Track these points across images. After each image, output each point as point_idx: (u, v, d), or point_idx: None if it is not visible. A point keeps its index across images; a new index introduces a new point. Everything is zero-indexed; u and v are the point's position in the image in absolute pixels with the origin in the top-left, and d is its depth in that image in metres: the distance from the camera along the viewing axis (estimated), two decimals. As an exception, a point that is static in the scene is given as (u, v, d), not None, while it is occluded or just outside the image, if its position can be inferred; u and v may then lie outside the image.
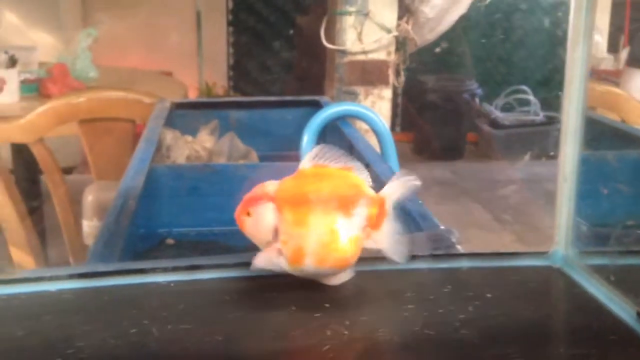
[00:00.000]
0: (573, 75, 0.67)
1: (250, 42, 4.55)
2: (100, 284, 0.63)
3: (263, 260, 0.60)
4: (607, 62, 3.64)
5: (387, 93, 2.30)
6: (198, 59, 4.47)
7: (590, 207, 0.70)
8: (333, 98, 2.24)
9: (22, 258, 1.66)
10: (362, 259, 0.61)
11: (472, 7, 2.21)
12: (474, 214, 3.22)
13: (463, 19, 2.22)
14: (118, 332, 0.55)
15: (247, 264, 0.61)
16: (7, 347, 0.53)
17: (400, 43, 2.26)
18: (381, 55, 2.26)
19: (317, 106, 1.61)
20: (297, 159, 1.33)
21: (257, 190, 0.61)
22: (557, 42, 4.15)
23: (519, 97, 4.02)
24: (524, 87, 4.02)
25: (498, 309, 0.59)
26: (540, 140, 3.36)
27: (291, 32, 4.34)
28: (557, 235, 0.69)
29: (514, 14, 4.33)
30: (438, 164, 3.95)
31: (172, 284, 0.63)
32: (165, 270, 0.65)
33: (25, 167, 2.15)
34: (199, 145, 1.41)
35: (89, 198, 1.61)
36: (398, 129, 4.39)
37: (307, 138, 1.40)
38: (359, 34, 2.22)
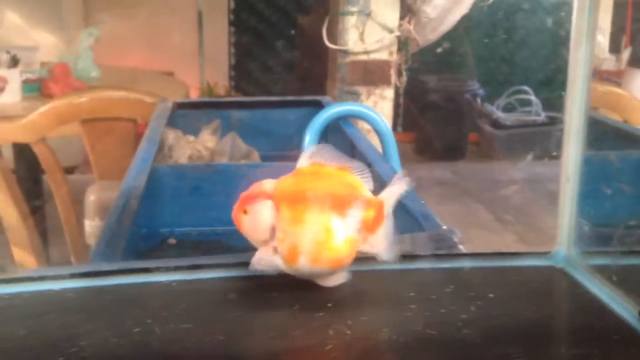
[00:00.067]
0: (576, 75, 0.67)
1: (251, 42, 4.54)
2: (102, 283, 0.63)
3: (260, 261, 0.60)
4: (609, 63, 3.64)
5: (389, 93, 2.30)
6: (199, 58, 4.47)
7: (592, 207, 0.70)
8: (335, 98, 2.24)
9: (24, 258, 1.66)
10: (363, 259, 0.61)
11: (474, 7, 2.20)
12: (475, 214, 3.22)
13: (465, 19, 2.22)
14: (120, 331, 0.55)
15: (249, 264, 0.61)
16: (10, 347, 0.53)
17: (402, 43, 2.26)
18: (383, 55, 2.26)
19: (319, 106, 1.61)
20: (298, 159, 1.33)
21: (254, 188, 0.60)
22: (558, 42, 4.14)
23: (521, 97, 4.02)
24: (526, 88, 4.02)
25: (500, 309, 0.59)
26: (541, 140, 3.36)
27: (293, 32, 4.34)
28: (560, 235, 0.69)
29: (516, 14, 4.33)
30: (439, 164, 3.95)
31: (174, 284, 0.63)
32: (167, 269, 0.65)
33: (27, 166, 2.15)
34: (201, 145, 1.41)
35: (91, 198, 1.62)
36: (400, 129, 4.39)
37: (309, 138, 1.40)
38: (361, 34, 2.22)
